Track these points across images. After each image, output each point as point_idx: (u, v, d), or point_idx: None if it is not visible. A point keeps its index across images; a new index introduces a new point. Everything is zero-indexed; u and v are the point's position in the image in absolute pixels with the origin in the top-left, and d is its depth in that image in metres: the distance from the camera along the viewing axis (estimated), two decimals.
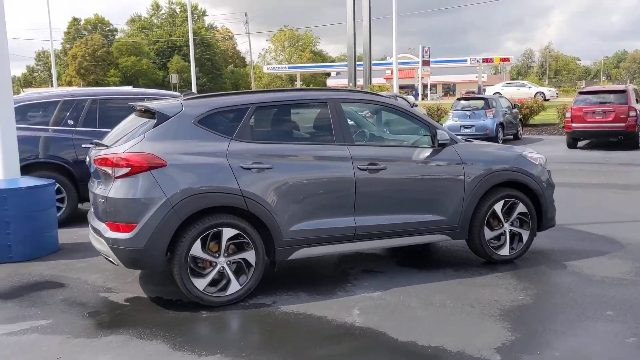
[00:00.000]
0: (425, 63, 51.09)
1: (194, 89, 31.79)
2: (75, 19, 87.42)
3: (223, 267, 4.91)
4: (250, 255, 4.99)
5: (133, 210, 4.70)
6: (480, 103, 18.35)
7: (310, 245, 5.22)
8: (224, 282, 4.94)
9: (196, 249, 4.80)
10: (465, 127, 18.01)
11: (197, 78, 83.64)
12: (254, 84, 66.74)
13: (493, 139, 17.55)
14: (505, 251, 5.99)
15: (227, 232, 4.89)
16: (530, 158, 6.14)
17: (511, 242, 6.04)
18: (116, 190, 4.75)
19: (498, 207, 5.90)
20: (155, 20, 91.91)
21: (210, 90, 76.42)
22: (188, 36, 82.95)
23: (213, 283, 4.91)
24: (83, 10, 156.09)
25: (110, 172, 4.80)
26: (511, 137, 19.67)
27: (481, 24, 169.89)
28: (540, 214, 6.15)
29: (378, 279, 5.55)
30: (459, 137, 6.14)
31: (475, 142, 6.41)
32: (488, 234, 5.90)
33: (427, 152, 5.64)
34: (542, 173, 6.17)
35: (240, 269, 5.01)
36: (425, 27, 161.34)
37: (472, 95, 24.06)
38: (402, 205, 5.55)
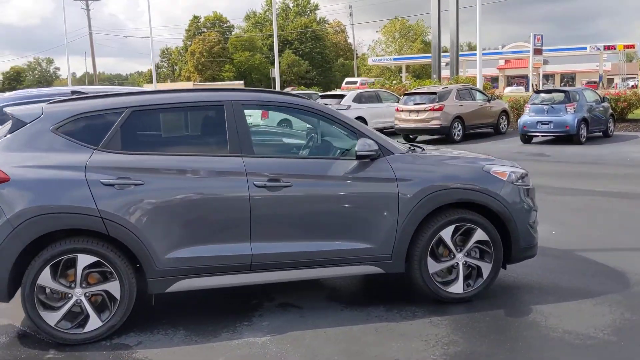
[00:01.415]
0: (537, 52, 47.63)
1: (277, 84, 31.42)
2: (195, 17, 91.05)
3: (80, 300, 4.23)
4: (113, 287, 4.27)
5: None
6: (561, 96, 16.24)
7: (194, 276, 4.41)
8: (82, 317, 4.27)
9: (45, 278, 4.15)
10: (542, 124, 16.09)
11: (307, 72, 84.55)
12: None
13: (574, 136, 15.57)
14: (457, 288, 4.83)
15: (83, 260, 4.20)
16: (495, 173, 4.91)
17: (467, 277, 4.87)
18: None
19: (446, 234, 4.75)
20: (270, 16, 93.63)
21: (319, 84, 76.67)
22: (298, 31, 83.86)
23: (70, 318, 4.24)
24: (205, 7, 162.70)
25: None
26: (599, 134, 17.38)
27: (613, 9, 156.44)
28: (509, 243, 4.92)
29: (284, 318, 4.63)
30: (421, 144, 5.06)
31: (427, 150, 5.26)
32: (433, 266, 4.77)
33: (350, 166, 4.62)
34: (513, 192, 4.92)
35: (103, 302, 4.30)
36: (549, 13, 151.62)
37: (553, 88, 21.65)
38: (313, 230, 4.59)
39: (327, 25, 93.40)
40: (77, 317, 4.26)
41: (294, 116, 5.24)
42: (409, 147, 5.18)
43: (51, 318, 4.19)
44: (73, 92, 5.67)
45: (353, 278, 5.45)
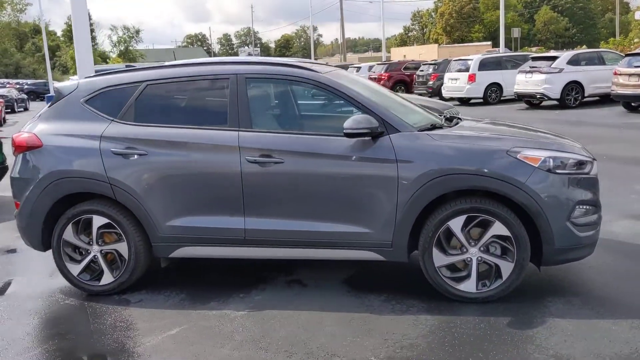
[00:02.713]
0: None
1: (501, 44, 29.36)
2: None
3: (96, 256, 4.72)
4: (122, 247, 4.68)
5: (18, 189, 4.84)
6: None
7: (193, 245, 4.60)
8: (98, 271, 4.76)
9: (68, 234, 4.72)
10: None
11: (565, 29, 77.58)
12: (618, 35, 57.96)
13: None
14: (469, 286, 4.25)
15: (98, 220, 4.67)
16: (523, 157, 4.14)
17: (483, 276, 4.27)
18: (13, 168, 4.95)
19: (456, 224, 4.20)
20: None
21: (580, 42, 69.99)
22: None
23: (89, 271, 4.77)
24: None
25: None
26: None
27: None
28: (539, 242, 4.16)
29: (279, 295, 4.59)
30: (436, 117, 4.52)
31: (458, 126, 4.63)
32: (439, 258, 4.26)
33: (348, 144, 4.32)
34: (547, 181, 4.12)
35: (115, 260, 4.74)
36: None
37: None
38: (305, 209, 4.42)
39: None
40: (94, 271, 4.76)
41: (306, 89, 4.99)
42: (442, 121, 4.65)
43: (74, 269, 4.76)
44: (127, 67, 6.17)
45: (382, 265, 5.10)
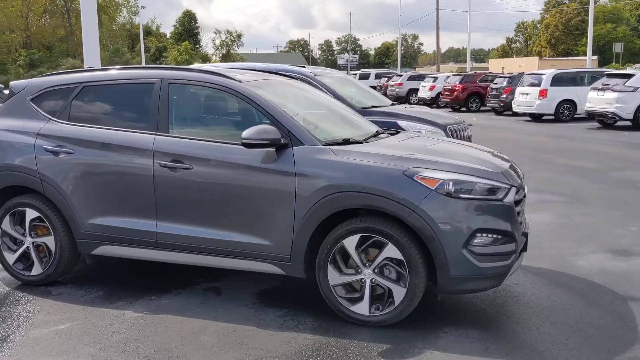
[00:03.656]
0: None
1: (588, 58, 27.67)
2: None
3: (28, 247, 4.95)
4: (50, 241, 4.88)
5: None
6: None
7: (111, 244, 4.73)
8: (29, 262, 4.99)
9: (6, 224, 4.99)
10: None
11: None
12: None
13: None
14: (362, 308, 4.09)
15: (30, 213, 4.90)
16: (419, 179, 3.93)
17: (377, 299, 4.09)
18: None
19: (350, 243, 4.05)
20: None
21: None
22: None
23: (24, 261, 5.00)
24: None
25: None
26: None
27: None
28: (434, 268, 3.94)
29: (187, 301, 4.61)
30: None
31: (381, 141, 4.52)
32: (334, 277, 4.13)
33: (253, 154, 4.27)
34: (443, 205, 3.89)
35: (44, 253, 4.94)
36: None
37: None
38: (211, 217, 4.42)
39: None
40: (28, 261, 4.99)
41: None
42: (373, 134, 4.58)
43: (10, 258, 5.01)
44: (88, 67, 6.40)
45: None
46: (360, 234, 4.02)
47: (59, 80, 5.10)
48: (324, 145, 4.24)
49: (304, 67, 9.89)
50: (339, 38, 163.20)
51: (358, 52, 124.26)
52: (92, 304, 4.58)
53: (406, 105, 9.79)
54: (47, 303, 4.62)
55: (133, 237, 4.62)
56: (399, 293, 4.00)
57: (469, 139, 8.34)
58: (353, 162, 4.11)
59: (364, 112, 8.02)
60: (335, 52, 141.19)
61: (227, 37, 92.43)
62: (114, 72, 5.00)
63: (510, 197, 4.07)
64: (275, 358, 3.66)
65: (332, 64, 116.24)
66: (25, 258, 4.99)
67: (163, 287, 4.87)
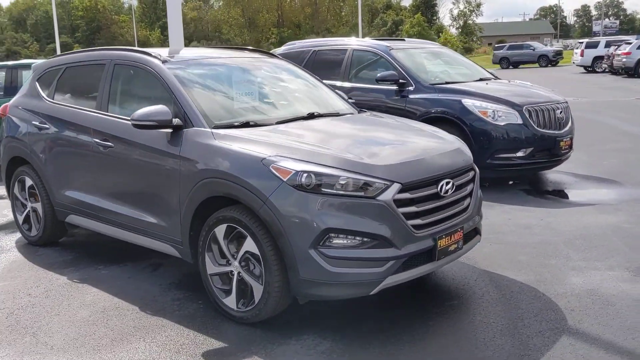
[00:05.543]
0: None
1: None
2: None
3: (29, 211, 5.60)
4: (39, 207, 5.46)
5: None
6: None
7: (75, 214, 5.13)
8: (29, 224, 5.66)
9: (16, 190, 5.72)
10: None
11: None
12: None
13: None
14: (231, 302, 3.88)
15: (27, 181, 5.54)
16: (274, 168, 3.54)
17: (242, 294, 3.84)
18: None
19: (220, 232, 3.86)
20: None
21: None
22: None
23: (27, 222, 5.67)
24: None
25: None
26: None
27: None
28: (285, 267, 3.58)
29: (124, 274, 4.82)
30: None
31: (252, 129, 4.12)
32: (210, 267, 3.98)
33: (155, 135, 4.25)
34: (293, 199, 3.47)
35: (38, 217, 5.54)
36: None
37: None
38: (125, 194, 4.60)
39: None
40: (29, 223, 5.65)
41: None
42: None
43: (19, 219, 5.74)
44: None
45: None
46: (227, 224, 3.79)
47: (55, 61, 5.62)
48: (212, 128, 4.05)
49: (401, 40, 9.37)
50: (598, 2, 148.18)
51: (620, 17, 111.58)
52: (51, 266, 5.03)
53: (510, 80, 8.69)
54: (22, 259, 5.21)
55: (86, 209, 4.95)
56: (258, 291, 3.70)
57: (560, 122, 7.17)
58: (226, 147, 3.85)
59: (429, 88, 7.40)
60: (593, 18, 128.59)
61: (465, 7, 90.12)
62: (87, 54, 5.34)
63: (388, 195, 3.48)
64: (113, 329, 3.71)
65: (588, 32, 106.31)
66: (27, 220, 5.64)
67: (119, 259, 5.13)
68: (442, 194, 3.76)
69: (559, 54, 43.29)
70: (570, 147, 7.44)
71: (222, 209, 3.83)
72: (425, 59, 8.45)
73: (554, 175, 7.91)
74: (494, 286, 4.31)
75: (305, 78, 5.35)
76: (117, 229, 4.71)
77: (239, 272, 3.80)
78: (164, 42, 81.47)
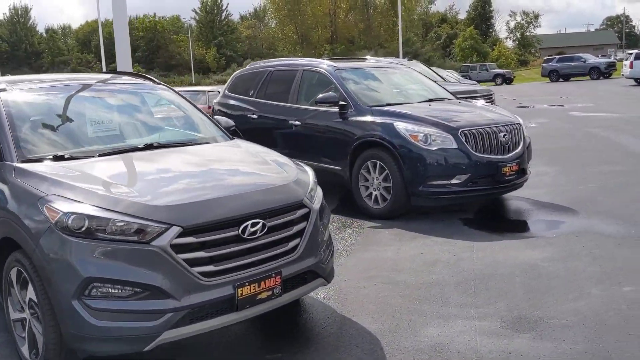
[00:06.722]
0: None
1: None
2: None
3: None
4: None
5: None
6: None
7: None
8: None
9: None
10: None
11: None
12: None
13: None
14: (26, 351, 3.58)
15: None
16: (48, 209, 3.23)
17: (32, 344, 3.52)
18: None
19: (13, 276, 3.58)
20: None
21: None
22: None
23: None
24: None
25: None
26: None
27: None
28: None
29: None
30: None
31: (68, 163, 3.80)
32: (12, 312, 3.69)
33: None
34: (61, 243, 3.14)
35: None
36: None
37: None
38: None
39: None
40: None
41: None
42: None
43: None
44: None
45: None
46: (16, 268, 3.52)
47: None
48: (20, 162, 3.77)
49: (361, 59, 8.99)
50: None
51: None
52: None
53: (463, 101, 8.16)
54: None
55: None
56: (40, 342, 3.40)
57: (504, 145, 6.60)
58: (17, 183, 3.57)
59: (367, 110, 6.99)
60: None
61: (522, 19, 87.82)
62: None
63: (164, 240, 3.12)
64: None
65: None
66: None
67: None
68: (245, 236, 3.37)
69: (611, 65, 41.29)
70: (522, 172, 6.82)
71: (14, 252, 3.56)
72: (377, 79, 8.00)
73: (511, 202, 7.28)
74: (337, 337, 3.86)
75: (178, 104, 5.05)
76: None
77: (29, 320, 3.51)
78: (219, 60, 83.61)
